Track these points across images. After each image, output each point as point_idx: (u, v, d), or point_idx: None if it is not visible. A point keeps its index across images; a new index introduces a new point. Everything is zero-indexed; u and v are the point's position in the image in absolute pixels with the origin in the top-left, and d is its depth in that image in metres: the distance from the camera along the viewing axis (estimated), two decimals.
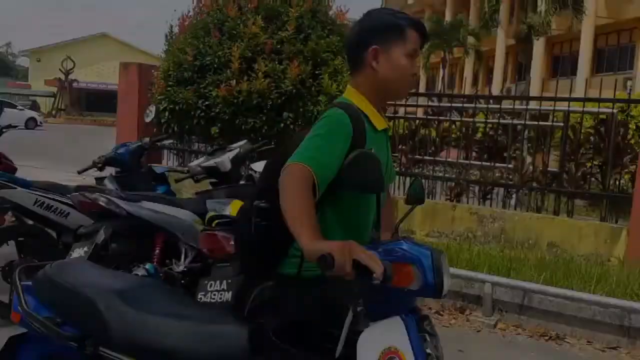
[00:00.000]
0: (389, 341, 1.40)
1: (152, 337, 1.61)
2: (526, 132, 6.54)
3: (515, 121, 6.35)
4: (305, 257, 1.40)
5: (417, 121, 7.10)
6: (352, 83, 1.74)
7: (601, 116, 5.90)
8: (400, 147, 6.63)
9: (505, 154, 6.39)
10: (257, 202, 1.66)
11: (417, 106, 7.20)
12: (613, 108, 5.68)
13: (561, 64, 27.65)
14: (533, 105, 6.28)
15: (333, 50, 5.23)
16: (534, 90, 17.06)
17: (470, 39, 26.69)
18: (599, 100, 5.76)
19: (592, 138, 6.00)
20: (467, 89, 27.98)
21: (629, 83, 6.50)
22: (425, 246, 1.46)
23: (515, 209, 6.01)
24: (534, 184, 5.96)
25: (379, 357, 1.39)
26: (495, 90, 17.92)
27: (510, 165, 6.29)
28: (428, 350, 1.43)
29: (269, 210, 1.61)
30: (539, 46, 23.89)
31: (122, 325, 1.63)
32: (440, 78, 27.64)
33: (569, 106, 5.80)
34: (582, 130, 6.13)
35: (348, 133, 1.57)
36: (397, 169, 6.67)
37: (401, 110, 6.90)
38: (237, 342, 1.60)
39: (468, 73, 28.16)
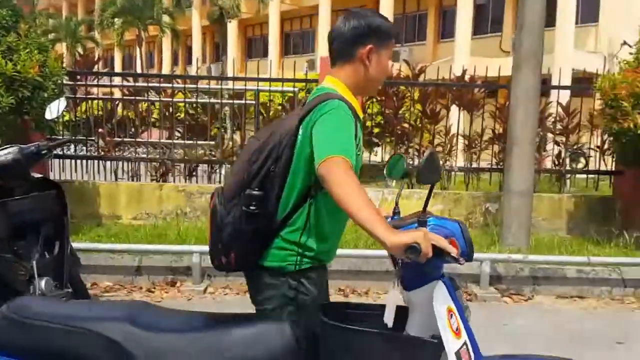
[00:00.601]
0: (445, 302, 1.57)
1: (183, 354, 1.50)
2: (225, 109, 6.95)
3: (213, 100, 6.68)
4: (389, 249, 1.46)
5: (115, 102, 6.86)
6: (336, 74, 1.79)
7: (288, 94, 6.64)
8: (98, 130, 6.32)
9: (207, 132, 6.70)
10: (250, 190, 1.66)
11: (112, 86, 6.91)
12: (294, 87, 6.47)
13: (254, 46, 29.88)
14: (229, 84, 6.69)
15: (4, 25, 4.60)
16: (231, 70, 18.05)
17: (166, 18, 26.57)
18: (282, 80, 6.47)
19: (282, 114, 6.73)
20: (167, 68, 27.99)
21: (305, 65, 7.41)
22: (451, 219, 1.69)
23: (220, 182, 6.37)
24: (235, 159, 6.41)
25: (446, 314, 1.55)
26: (194, 69, 18.31)
27: (212, 142, 6.62)
28: (465, 304, 1.64)
29: (261, 198, 1.65)
30: (233, 28, 25.29)
31: (148, 351, 1.46)
32: (138, 57, 26.95)
33: (257, 85, 6.39)
34: (273, 107, 6.82)
35: (353, 123, 1.68)
36: (97, 153, 6.38)
37: (94, 91, 6.57)
38: (282, 340, 1.54)
39: (166, 52, 28.10)
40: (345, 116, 1.65)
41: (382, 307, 1.66)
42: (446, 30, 21.15)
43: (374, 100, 6.57)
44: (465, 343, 1.56)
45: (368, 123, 6.69)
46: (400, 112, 6.56)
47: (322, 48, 14.34)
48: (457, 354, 1.53)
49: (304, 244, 1.70)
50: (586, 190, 6.58)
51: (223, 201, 1.72)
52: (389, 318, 1.62)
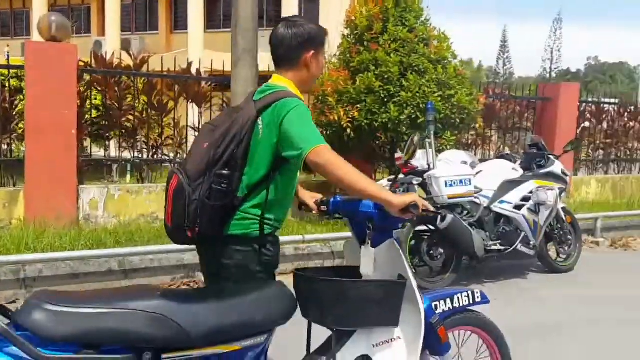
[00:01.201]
0: (403, 250, 2.18)
1: (223, 319, 1.74)
2: None
3: None
4: (393, 207, 1.93)
5: None
6: (283, 74, 2.11)
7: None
8: None
9: None
10: (219, 170, 1.93)
11: None
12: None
13: None
14: None
15: None
16: None
17: None
18: None
19: None
20: None
21: (6, 49, 6.49)
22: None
23: None
24: None
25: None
26: None
27: None
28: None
29: (229, 177, 1.94)
30: None
31: (196, 320, 1.68)
32: None
33: None
34: None
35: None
36: None
37: None
38: (289, 297, 1.95)
39: None
40: (307, 111, 2.00)
41: (345, 269, 2.28)
42: (179, 22, 20.95)
43: (95, 89, 6.15)
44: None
45: (89, 115, 6.24)
46: (127, 103, 6.30)
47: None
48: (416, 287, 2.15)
49: (265, 215, 2.02)
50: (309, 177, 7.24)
51: (188, 181, 1.93)
52: (368, 270, 2.10)
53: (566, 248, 5.64)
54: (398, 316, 2.12)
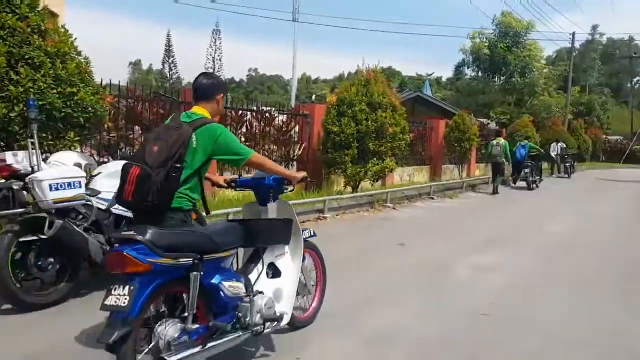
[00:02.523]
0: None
1: (224, 239, 3.28)
2: None
3: None
4: (295, 179, 3.67)
5: None
6: (202, 106, 3.40)
7: None
8: None
9: None
10: (176, 164, 3.07)
11: None
12: None
13: None
14: None
15: None
16: None
17: None
18: None
19: None
20: None
21: None
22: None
23: None
24: None
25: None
26: None
27: None
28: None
29: (180, 169, 3.09)
30: None
31: (216, 238, 3.16)
32: None
33: None
34: None
35: None
36: None
37: None
38: (238, 228, 3.53)
39: None
40: (229, 131, 3.43)
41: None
42: None
43: None
44: None
45: None
46: None
47: None
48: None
49: (191, 196, 3.27)
50: None
51: (151, 170, 3.01)
52: (273, 215, 3.72)
53: None
54: (289, 239, 3.79)
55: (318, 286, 4.34)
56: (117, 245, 2.86)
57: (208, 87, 3.41)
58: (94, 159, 6.47)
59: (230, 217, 7.56)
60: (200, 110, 3.34)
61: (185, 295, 3.01)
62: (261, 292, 3.49)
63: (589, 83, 58.01)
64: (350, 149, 11.30)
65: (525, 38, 40.07)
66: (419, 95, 27.14)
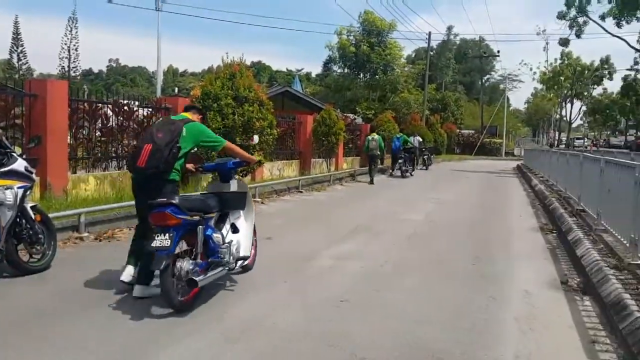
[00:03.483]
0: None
1: (212, 202, 4.99)
2: None
3: None
4: (251, 162, 5.54)
5: None
6: (187, 113, 5.13)
7: None
8: None
9: None
10: (175, 145, 4.59)
11: None
12: None
13: None
14: None
15: None
16: None
17: None
18: None
19: None
20: None
21: None
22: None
23: None
24: None
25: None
26: None
27: None
28: None
29: (179, 148, 4.62)
30: None
31: (210, 203, 4.89)
32: None
33: None
34: None
35: None
36: None
37: None
38: (215, 198, 5.07)
39: None
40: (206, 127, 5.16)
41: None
42: None
43: None
44: None
45: None
46: None
47: None
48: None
49: (179, 172, 4.75)
50: None
51: (161, 145, 4.52)
52: (234, 188, 5.34)
53: (39, 247, 5.46)
54: (244, 205, 5.27)
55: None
56: (157, 207, 4.28)
57: (192, 105, 5.91)
58: None
59: (83, 218, 7.09)
60: (185, 114, 5.14)
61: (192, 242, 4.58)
62: (230, 241, 5.02)
63: (445, 81, 62.63)
64: None
65: (387, 37, 42.23)
66: (288, 90, 27.47)
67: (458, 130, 50.29)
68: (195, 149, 5.07)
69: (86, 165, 10.06)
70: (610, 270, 5.36)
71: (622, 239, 6.30)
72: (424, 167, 25.96)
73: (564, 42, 39.49)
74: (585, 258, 6.14)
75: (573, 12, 35.53)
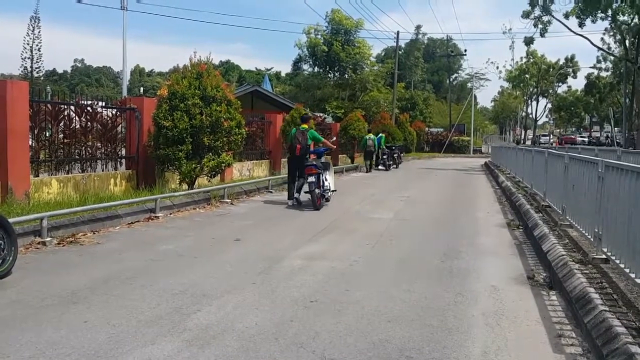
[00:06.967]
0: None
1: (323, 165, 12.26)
2: None
3: None
4: (332, 149, 13.74)
5: None
6: (306, 124, 11.98)
7: None
8: None
9: None
10: (307, 144, 11.69)
11: None
12: None
13: None
14: None
15: None
16: None
17: None
18: None
19: None
20: None
21: None
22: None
23: None
24: None
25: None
26: None
27: None
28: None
29: (308, 148, 11.77)
30: None
31: (323, 165, 12.11)
32: None
33: None
34: None
35: None
36: None
37: None
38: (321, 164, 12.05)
39: None
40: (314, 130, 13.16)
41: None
42: None
43: None
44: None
45: None
46: None
47: None
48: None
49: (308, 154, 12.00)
50: None
51: (303, 144, 11.53)
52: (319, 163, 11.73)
53: None
54: (327, 168, 11.77)
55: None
56: (309, 165, 11.08)
57: (307, 117, 12.58)
58: None
59: (45, 222, 6.89)
60: (305, 126, 11.65)
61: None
62: (328, 183, 11.55)
63: (414, 79, 63.31)
64: (184, 144, 10.98)
65: (355, 36, 42.37)
66: (257, 90, 27.32)
67: (427, 129, 50.84)
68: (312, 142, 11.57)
69: (49, 168, 9.80)
70: (576, 265, 5.46)
71: (587, 234, 6.43)
72: (395, 166, 26.21)
73: (529, 41, 40.22)
74: (551, 253, 6.25)
75: (537, 11, 36.22)
